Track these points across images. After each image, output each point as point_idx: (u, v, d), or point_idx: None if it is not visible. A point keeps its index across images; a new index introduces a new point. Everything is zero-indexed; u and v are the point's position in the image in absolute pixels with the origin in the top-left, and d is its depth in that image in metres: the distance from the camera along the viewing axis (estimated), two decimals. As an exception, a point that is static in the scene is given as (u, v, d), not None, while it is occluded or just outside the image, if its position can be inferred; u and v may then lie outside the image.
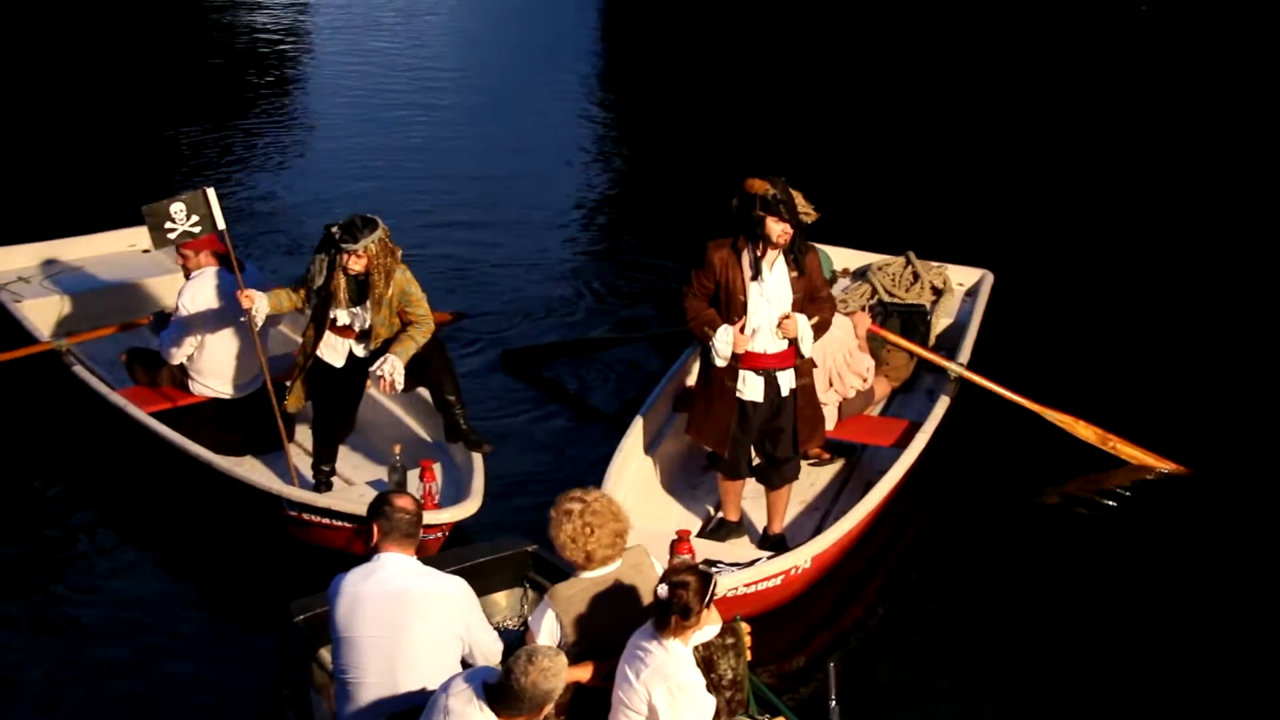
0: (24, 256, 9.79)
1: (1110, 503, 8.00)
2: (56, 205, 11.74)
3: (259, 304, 7.26)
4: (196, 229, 7.36)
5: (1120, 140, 13.75)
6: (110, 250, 9.91)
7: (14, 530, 7.63)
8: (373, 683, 4.96)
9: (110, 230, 10.03)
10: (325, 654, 5.37)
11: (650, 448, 7.70)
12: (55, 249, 9.91)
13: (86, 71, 16.33)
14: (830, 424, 7.71)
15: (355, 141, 14.50)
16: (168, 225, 7.30)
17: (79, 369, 8.14)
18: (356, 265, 6.98)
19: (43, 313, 9.11)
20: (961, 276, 9.62)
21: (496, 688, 4.37)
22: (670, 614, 4.73)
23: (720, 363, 6.85)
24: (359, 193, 12.82)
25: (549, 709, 4.48)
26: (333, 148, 14.37)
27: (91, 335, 8.59)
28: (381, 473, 7.54)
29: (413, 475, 7.21)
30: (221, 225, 7.41)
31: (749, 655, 5.28)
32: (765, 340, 6.79)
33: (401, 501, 5.10)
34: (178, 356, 7.86)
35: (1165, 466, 8.20)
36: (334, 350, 7.26)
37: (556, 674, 4.37)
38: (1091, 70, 15.47)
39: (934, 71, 16.38)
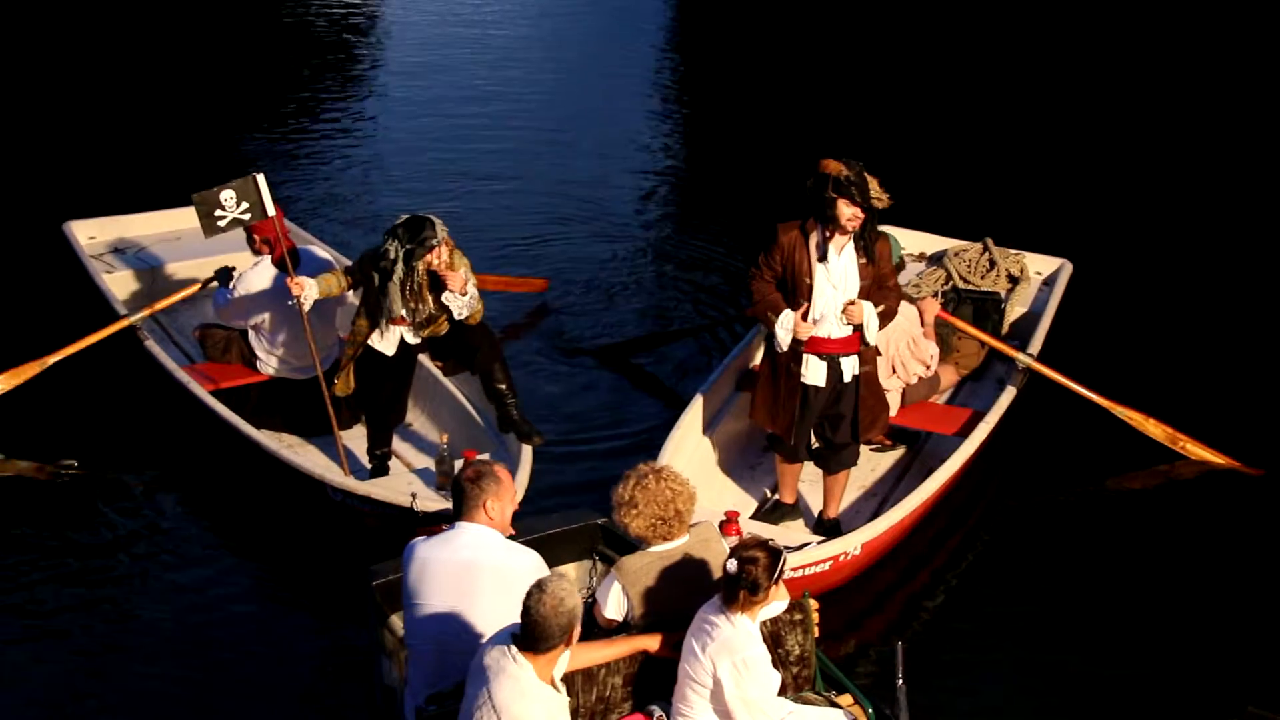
0: (121, 228, 9.95)
1: (1177, 502, 7.88)
2: (158, 178, 11.89)
3: (308, 290, 7.29)
4: (247, 216, 7.37)
5: (1214, 135, 13.40)
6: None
7: (82, 496, 7.78)
8: (440, 650, 5.01)
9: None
10: (396, 620, 5.44)
11: (709, 427, 7.72)
12: (151, 221, 10.06)
13: (189, 47, 16.65)
14: (893, 411, 7.67)
15: (421, 116, 14.58)
16: (218, 213, 7.30)
17: (151, 344, 8.26)
18: (437, 262, 6.98)
19: (129, 285, 9.27)
20: (1039, 265, 9.45)
21: (522, 632, 4.40)
22: (738, 589, 4.75)
23: (781, 348, 6.84)
24: (426, 167, 12.97)
25: (576, 632, 4.47)
26: (400, 123, 14.44)
27: (155, 308, 8.64)
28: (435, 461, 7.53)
29: (459, 465, 7.21)
30: (272, 212, 7.41)
31: (816, 632, 5.30)
32: (830, 325, 6.75)
33: (469, 473, 5.12)
34: (226, 318, 8.04)
35: (1236, 467, 8.04)
36: (387, 340, 7.28)
37: (569, 594, 4.39)
38: (1189, 60, 15.08)
39: (1025, 57, 16.09)
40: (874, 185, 6.58)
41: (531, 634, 4.37)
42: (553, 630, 4.36)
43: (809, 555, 6.55)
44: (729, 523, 6.44)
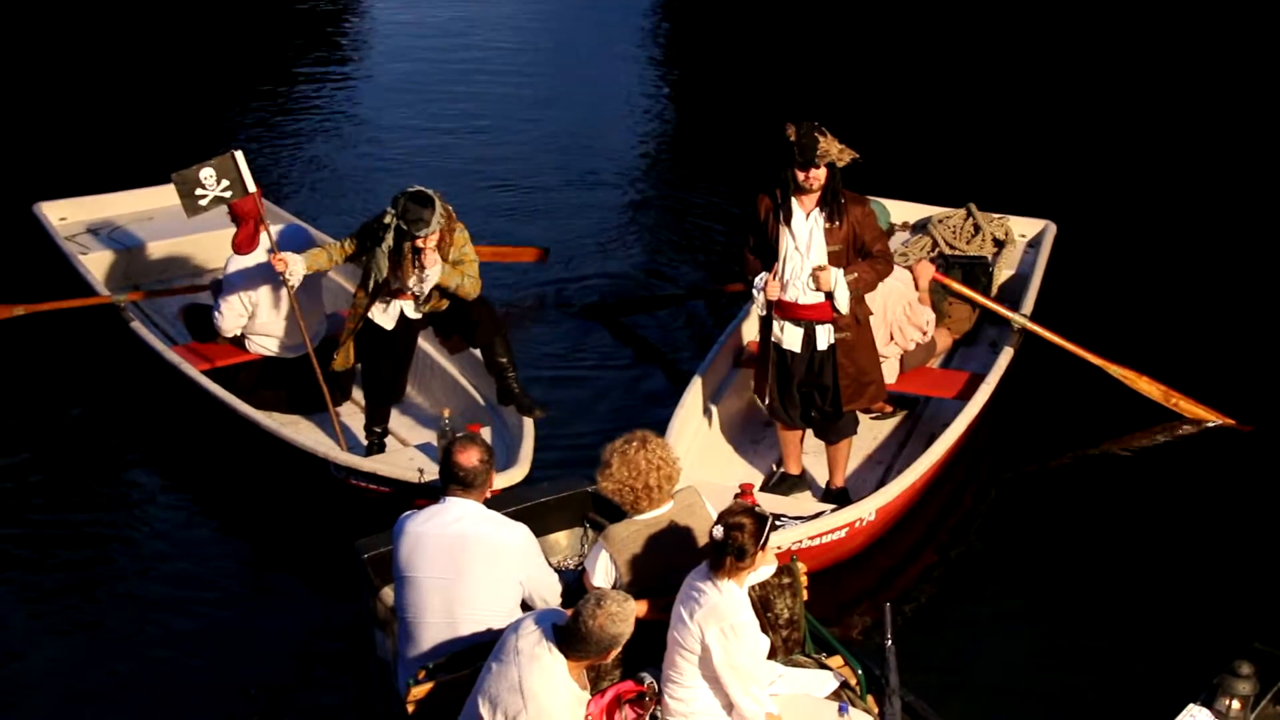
0: (93, 208, 9.87)
1: (1171, 458, 7.93)
2: (128, 157, 11.84)
3: (293, 266, 7.22)
4: (228, 194, 7.31)
5: (1187, 89, 13.48)
6: (177, 203, 9.90)
7: (71, 479, 7.80)
8: (432, 622, 5.07)
9: None
10: (388, 592, 5.47)
11: (711, 403, 7.74)
12: (123, 201, 9.97)
13: (169, 26, 16.50)
14: (892, 377, 7.69)
15: (409, 92, 14.52)
16: (198, 192, 7.25)
17: (137, 324, 8.20)
18: (431, 244, 6.94)
19: (107, 266, 9.19)
20: (1023, 228, 9.50)
21: (565, 630, 4.47)
22: (725, 555, 4.77)
23: (759, 310, 6.85)
24: (413, 143, 12.93)
25: (615, 652, 4.56)
26: (387, 99, 14.35)
27: (140, 296, 8.62)
28: (434, 435, 7.51)
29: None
30: (252, 188, 7.35)
31: (805, 595, 5.32)
32: (798, 290, 6.73)
33: (461, 456, 5.14)
34: (230, 329, 7.88)
35: (1228, 423, 8.11)
36: (386, 314, 7.24)
37: (624, 619, 4.45)
38: (1163, 23, 15.17)
39: (997, 20, 16.14)
40: (832, 142, 6.52)
41: (571, 639, 4.46)
42: (593, 645, 4.46)
43: (824, 524, 6.57)
44: (744, 495, 6.44)
